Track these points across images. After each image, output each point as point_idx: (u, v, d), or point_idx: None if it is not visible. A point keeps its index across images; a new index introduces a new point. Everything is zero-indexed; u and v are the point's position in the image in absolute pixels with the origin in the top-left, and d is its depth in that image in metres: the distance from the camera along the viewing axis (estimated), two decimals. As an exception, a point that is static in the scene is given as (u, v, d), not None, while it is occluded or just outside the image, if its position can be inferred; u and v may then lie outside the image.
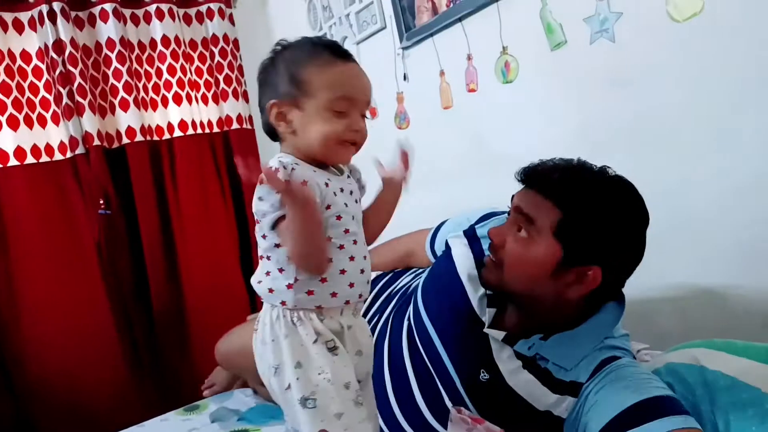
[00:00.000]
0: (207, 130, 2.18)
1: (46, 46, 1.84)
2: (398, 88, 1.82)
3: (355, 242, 0.81)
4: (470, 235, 1.12)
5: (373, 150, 2.08)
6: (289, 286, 0.76)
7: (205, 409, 1.43)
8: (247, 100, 2.28)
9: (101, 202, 1.85)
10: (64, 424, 1.80)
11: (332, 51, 0.81)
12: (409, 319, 1.10)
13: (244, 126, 2.26)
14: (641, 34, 1.16)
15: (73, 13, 1.91)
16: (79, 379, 1.82)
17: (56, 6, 1.84)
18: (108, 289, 1.90)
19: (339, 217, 0.79)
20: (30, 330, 1.79)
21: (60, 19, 1.84)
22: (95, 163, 1.87)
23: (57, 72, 1.83)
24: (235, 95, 2.24)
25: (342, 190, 0.81)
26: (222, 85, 2.22)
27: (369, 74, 1.96)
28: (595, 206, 0.85)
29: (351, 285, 0.79)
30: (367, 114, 0.87)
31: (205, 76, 2.20)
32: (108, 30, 1.96)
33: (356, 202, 0.84)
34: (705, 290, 1.16)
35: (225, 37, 2.22)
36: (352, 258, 0.80)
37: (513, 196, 0.95)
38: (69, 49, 1.84)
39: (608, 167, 0.91)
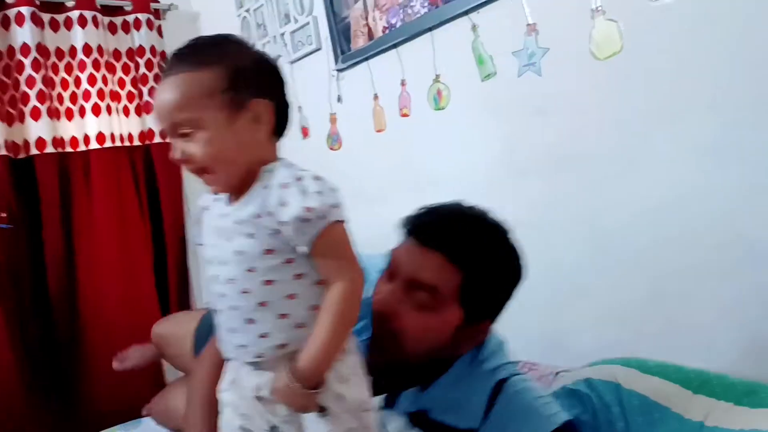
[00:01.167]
0: (127, 143, 2.08)
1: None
2: (332, 109, 1.82)
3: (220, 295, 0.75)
4: None
5: (309, 169, 2.06)
6: None
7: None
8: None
9: (3, 215, 1.71)
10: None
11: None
12: None
13: (167, 140, 2.17)
14: (565, 69, 1.23)
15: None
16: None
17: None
18: (5, 309, 1.74)
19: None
20: None
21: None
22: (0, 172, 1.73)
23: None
24: (161, 109, 2.16)
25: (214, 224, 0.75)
26: (146, 97, 2.13)
27: (303, 94, 1.99)
28: (493, 263, 0.84)
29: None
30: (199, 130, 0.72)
31: (128, 87, 2.11)
32: (23, 35, 1.85)
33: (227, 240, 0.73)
34: (618, 309, 1.22)
35: (152, 48, 2.15)
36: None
37: (397, 251, 0.87)
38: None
39: (487, 211, 0.89)
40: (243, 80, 0.73)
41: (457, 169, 1.48)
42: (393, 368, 0.84)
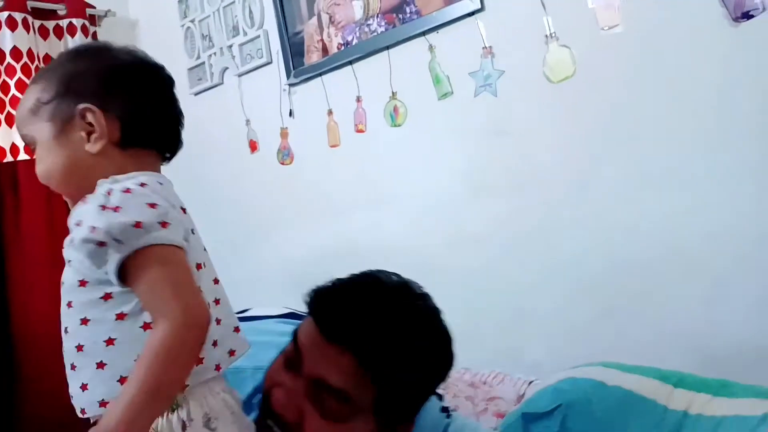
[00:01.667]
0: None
1: None
2: (283, 124, 1.80)
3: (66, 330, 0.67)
4: None
5: (254, 185, 2.04)
6: None
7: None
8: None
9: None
10: None
11: None
12: None
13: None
14: (520, 91, 1.29)
15: None
16: None
17: None
18: None
19: None
20: None
21: None
22: None
23: None
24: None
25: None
26: (81, 106, 2.02)
27: (251, 107, 1.98)
28: (414, 367, 0.73)
29: None
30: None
31: (62, 95, 1.98)
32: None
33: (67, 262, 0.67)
34: (572, 322, 1.27)
35: (88, 55, 2.04)
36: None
37: (302, 336, 0.75)
38: None
39: (408, 284, 0.79)
40: (73, 89, 0.68)
41: (415, 186, 1.50)
42: None
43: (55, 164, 0.68)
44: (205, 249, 0.74)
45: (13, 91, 1.85)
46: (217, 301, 0.70)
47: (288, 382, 0.74)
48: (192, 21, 2.03)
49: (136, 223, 0.59)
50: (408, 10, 1.43)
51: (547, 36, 1.23)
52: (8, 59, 1.85)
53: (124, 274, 0.60)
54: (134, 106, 0.71)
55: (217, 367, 0.66)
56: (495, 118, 1.33)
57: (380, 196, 1.58)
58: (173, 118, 0.77)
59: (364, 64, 1.56)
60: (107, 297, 0.61)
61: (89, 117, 0.67)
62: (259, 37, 1.82)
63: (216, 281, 0.72)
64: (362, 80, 1.58)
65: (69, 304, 0.64)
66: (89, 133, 0.67)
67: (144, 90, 0.72)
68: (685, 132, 1.09)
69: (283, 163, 1.83)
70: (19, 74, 1.86)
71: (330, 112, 1.67)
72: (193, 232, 0.70)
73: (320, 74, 1.66)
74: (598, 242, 1.21)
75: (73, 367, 0.64)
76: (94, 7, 2.11)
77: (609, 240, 1.20)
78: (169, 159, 0.78)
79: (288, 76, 1.74)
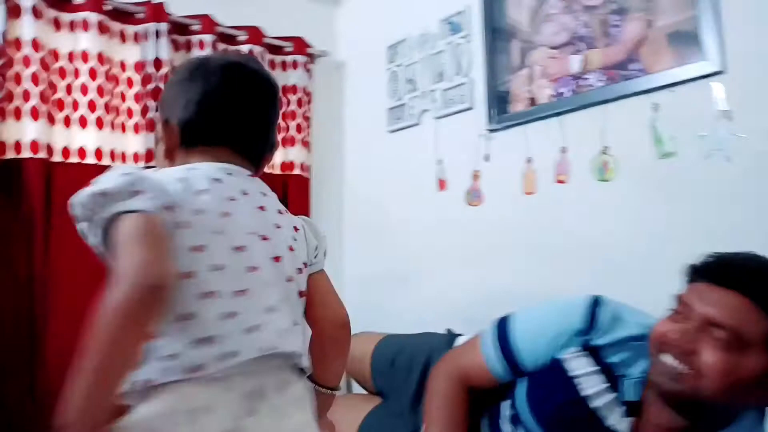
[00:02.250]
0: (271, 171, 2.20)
1: (145, 60, 1.88)
2: (476, 167, 1.87)
3: None
4: (590, 348, 1.02)
5: (438, 220, 2.08)
6: None
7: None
8: (309, 150, 2.30)
9: None
10: None
11: None
12: None
13: (304, 173, 2.26)
14: (762, 158, 1.22)
15: (172, 36, 1.97)
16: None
17: (163, 27, 1.90)
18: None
19: None
20: None
21: (164, 39, 1.89)
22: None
23: (151, 86, 1.86)
24: (303, 143, 2.27)
25: None
26: (292, 131, 2.26)
27: (445, 149, 2.07)
28: None
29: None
30: None
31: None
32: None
33: None
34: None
35: (304, 88, 2.29)
36: None
37: (685, 297, 0.88)
38: (166, 68, 1.88)
39: None
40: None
41: (616, 243, 1.47)
42: (682, 405, 0.86)
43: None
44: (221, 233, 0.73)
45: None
46: (242, 292, 0.70)
47: (678, 327, 0.85)
48: (398, 65, 2.21)
49: (101, 192, 0.62)
50: (632, 67, 1.44)
51: (799, 103, 1.17)
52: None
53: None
54: (188, 113, 0.79)
55: (196, 369, 0.62)
56: (725, 184, 1.28)
57: (575, 247, 1.56)
58: (239, 116, 0.81)
59: (575, 117, 1.59)
60: None
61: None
62: (464, 84, 1.93)
63: (253, 269, 0.73)
64: (570, 133, 1.60)
65: None
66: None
67: (199, 96, 0.79)
68: None
69: (471, 204, 1.89)
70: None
71: (529, 160, 1.71)
72: (198, 214, 0.71)
73: (524, 123, 1.72)
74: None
75: None
76: (312, 47, 2.38)
77: None
78: (249, 154, 0.83)
79: (489, 122, 1.82)
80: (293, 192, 2.23)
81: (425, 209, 2.04)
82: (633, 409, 0.95)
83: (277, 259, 0.77)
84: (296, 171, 2.25)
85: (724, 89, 1.28)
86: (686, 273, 0.90)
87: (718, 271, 0.86)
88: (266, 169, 2.07)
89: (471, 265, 1.86)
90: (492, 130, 1.83)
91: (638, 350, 0.95)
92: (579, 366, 1.00)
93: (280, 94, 0.87)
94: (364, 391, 1.71)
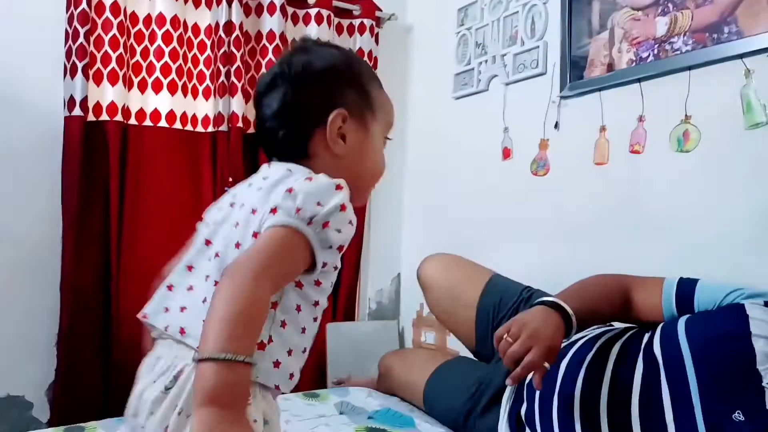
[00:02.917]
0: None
1: (217, 24, 1.91)
2: (544, 135, 1.80)
3: (315, 319, 0.69)
4: None
5: (500, 191, 2.02)
6: (260, 346, 0.63)
7: (326, 399, 1.45)
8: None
9: (230, 180, 1.87)
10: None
11: (373, 72, 0.74)
12: (651, 338, 1.04)
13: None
14: None
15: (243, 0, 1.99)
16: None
17: (232, -11, 1.92)
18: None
19: (331, 283, 0.68)
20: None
21: (235, 3, 1.92)
22: (234, 143, 1.90)
23: (221, 51, 1.89)
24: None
25: None
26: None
27: (513, 115, 2.00)
28: None
29: (300, 371, 0.67)
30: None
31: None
32: (272, 23, 2.03)
33: None
34: None
35: (370, 53, 2.27)
36: (310, 339, 0.69)
37: None
38: (236, 32, 1.91)
39: None
40: None
41: (693, 218, 1.38)
42: None
43: None
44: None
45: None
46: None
47: None
48: (468, 29, 2.13)
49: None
50: (727, 29, 1.32)
51: None
52: (311, 49, 2.13)
53: None
54: None
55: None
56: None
57: (648, 223, 1.48)
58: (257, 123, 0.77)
59: (656, 83, 1.48)
60: None
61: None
62: (537, 47, 1.84)
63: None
64: (650, 100, 1.50)
65: None
66: None
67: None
68: None
69: (535, 174, 1.82)
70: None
71: (603, 129, 1.62)
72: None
73: (599, 89, 1.63)
74: None
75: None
76: (381, 10, 2.34)
77: None
78: (270, 154, 0.78)
79: (562, 89, 1.73)
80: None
81: (489, 179, 1.99)
82: None
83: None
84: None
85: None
86: None
87: None
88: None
89: (535, 238, 1.81)
90: (564, 97, 1.74)
91: None
92: (756, 313, 0.96)
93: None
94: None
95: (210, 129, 1.92)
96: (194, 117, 1.92)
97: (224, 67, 1.89)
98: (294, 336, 0.64)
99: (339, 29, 2.26)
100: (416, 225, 2.40)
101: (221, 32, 1.90)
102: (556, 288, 1.21)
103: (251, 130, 2.00)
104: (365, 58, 2.26)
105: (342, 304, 2.19)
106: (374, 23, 2.29)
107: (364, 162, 0.69)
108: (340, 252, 0.64)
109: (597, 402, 1.01)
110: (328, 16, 2.16)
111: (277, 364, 0.62)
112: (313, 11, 2.15)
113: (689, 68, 1.40)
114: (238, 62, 1.91)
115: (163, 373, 0.63)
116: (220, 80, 1.89)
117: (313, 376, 1.97)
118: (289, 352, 0.63)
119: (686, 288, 1.13)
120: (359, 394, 1.49)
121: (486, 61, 2.05)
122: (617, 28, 1.59)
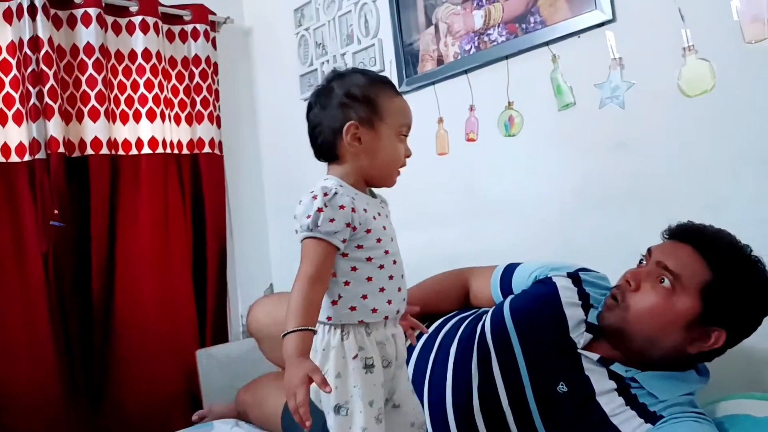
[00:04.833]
0: (176, 151, 2.08)
1: (21, 41, 1.71)
2: (389, 131, 1.83)
3: (394, 262, 0.88)
4: (574, 276, 1.13)
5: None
6: (333, 303, 0.83)
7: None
8: (219, 125, 2.20)
9: (56, 212, 1.69)
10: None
11: (391, 84, 0.93)
12: (483, 326, 1.09)
13: (215, 151, 2.18)
14: (651, 103, 1.24)
15: (53, 11, 1.79)
16: (9, 399, 1.64)
17: (38, 1, 1.72)
18: (50, 304, 1.71)
19: (379, 240, 0.86)
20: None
21: (40, 16, 1.72)
22: (55, 170, 1.72)
23: (29, 70, 1.70)
24: (210, 119, 2.16)
25: (379, 214, 0.88)
26: (198, 107, 2.14)
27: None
28: (743, 276, 0.91)
29: (389, 302, 0.86)
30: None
31: (181, 95, 2.11)
32: (88, 35, 1.86)
33: (390, 224, 0.92)
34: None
35: (207, 59, 2.17)
36: (390, 277, 0.87)
37: (652, 248, 1.00)
38: (45, 47, 1.72)
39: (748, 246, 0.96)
40: None
41: (526, 197, 1.48)
42: (618, 336, 0.96)
43: None
44: None
45: (141, 89, 1.99)
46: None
47: (636, 270, 0.99)
48: (306, 29, 2.11)
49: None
50: (532, 20, 1.43)
51: (684, 48, 1.18)
52: (139, 59, 1.99)
53: None
54: None
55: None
56: (620, 131, 1.30)
57: (487, 206, 1.57)
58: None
59: (481, 74, 1.57)
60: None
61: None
62: (373, 45, 1.86)
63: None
64: (477, 89, 1.58)
65: None
66: None
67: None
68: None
69: (387, 169, 1.85)
70: (147, 74, 2.00)
71: (440, 120, 1.68)
72: None
73: (433, 83, 1.68)
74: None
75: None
76: (214, 14, 2.24)
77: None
78: (318, 158, 0.93)
79: (400, 84, 1.77)
80: (206, 171, 2.13)
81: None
82: (592, 330, 1.03)
83: None
84: (206, 149, 2.14)
85: (615, 37, 1.28)
86: (661, 234, 1.02)
87: (678, 229, 0.99)
88: (168, 149, 2.03)
89: (400, 231, 1.84)
90: (403, 93, 1.77)
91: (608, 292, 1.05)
92: (563, 283, 1.11)
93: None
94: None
95: (26, 158, 1.72)
96: (5, 146, 1.70)
97: (34, 87, 1.70)
98: (361, 286, 0.84)
99: (170, 36, 2.13)
100: (282, 230, 2.34)
101: (26, 49, 1.70)
102: (413, 278, 1.24)
103: (76, 154, 1.83)
104: (203, 65, 2.16)
105: (210, 327, 2.08)
106: (208, 28, 2.19)
107: (379, 156, 0.87)
108: (349, 227, 0.82)
109: (443, 404, 1.03)
110: (155, 24, 2.02)
111: (353, 308, 0.83)
112: (137, 19, 2.00)
113: (506, 57, 1.49)
114: (51, 81, 1.72)
115: None
116: (32, 102, 1.70)
117: (185, 410, 1.84)
118: (363, 297, 0.83)
119: (507, 272, 1.25)
120: (224, 427, 1.39)
121: (327, 61, 2.04)
122: (441, 23, 1.65)
